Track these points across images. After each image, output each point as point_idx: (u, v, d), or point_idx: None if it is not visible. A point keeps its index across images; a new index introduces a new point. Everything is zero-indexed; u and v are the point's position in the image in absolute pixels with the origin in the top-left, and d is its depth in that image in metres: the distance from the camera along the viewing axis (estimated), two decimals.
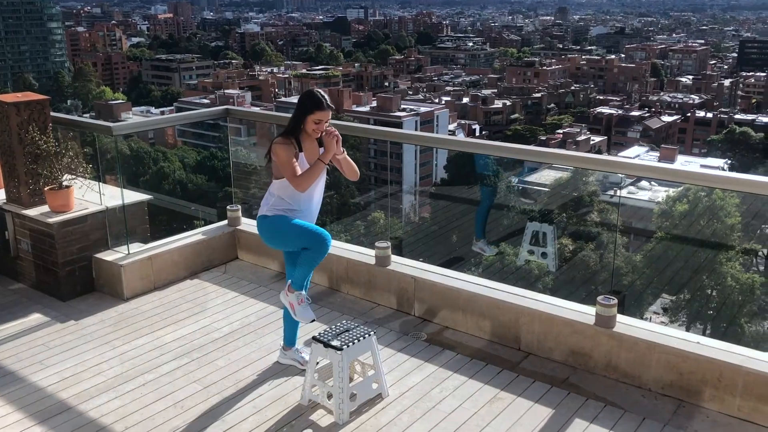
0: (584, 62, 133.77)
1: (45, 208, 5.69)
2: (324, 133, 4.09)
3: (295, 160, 4.07)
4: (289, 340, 4.58)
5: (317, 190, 4.28)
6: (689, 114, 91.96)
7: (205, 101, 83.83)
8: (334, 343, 4.01)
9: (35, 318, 5.33)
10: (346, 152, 4.26)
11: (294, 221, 4.14)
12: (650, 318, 19.98)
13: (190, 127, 61.44)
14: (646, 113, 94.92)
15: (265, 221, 4.22)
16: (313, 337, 4.12)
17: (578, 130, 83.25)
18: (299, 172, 4.05)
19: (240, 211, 6.44)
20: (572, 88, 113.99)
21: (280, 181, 4.14)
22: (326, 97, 4.13)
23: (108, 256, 5.72)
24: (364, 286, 5.55)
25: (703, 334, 16.39)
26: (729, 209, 20.63)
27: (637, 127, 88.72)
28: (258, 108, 60.72)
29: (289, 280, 4.22)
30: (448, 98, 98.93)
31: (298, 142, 4.12)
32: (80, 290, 5.69)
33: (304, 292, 4.19)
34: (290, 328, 4.54)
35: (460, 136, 56.67)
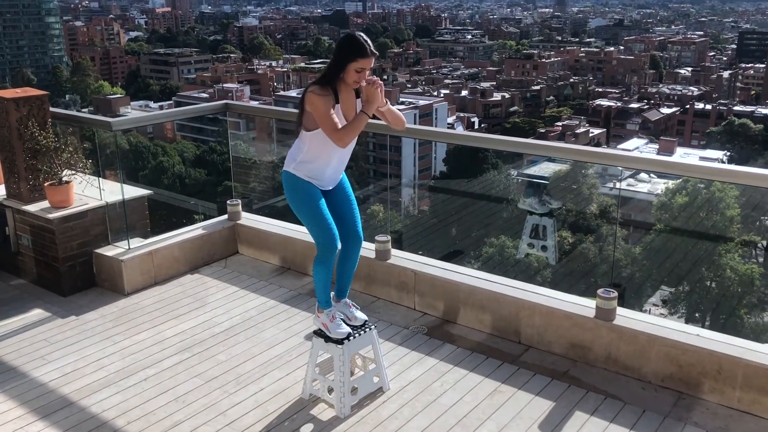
0: (583, 54, 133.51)
1: (45, 204, 5.69)
2: (365, 83, 3.70)
3: (332, 112, 3.69)
4: (340, 292, 4.24)
5: (347, 152, 3.94)
6: (688, 106, 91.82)
7: (204, 95, 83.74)
8: (335, 337, 4.02)
9: (36, 313, 5.34)
10: (389, 102, 3.89)
11: (321, 208, 3.84)
12: (649, 310, 20.01)
13: (189, 121, 61.48)
14: (645, 105, 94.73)
15: (296, 183, 3.88)
16: (314, 332, 4.14)
17: (577, 122, 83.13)
18: (340, 126, 3.68)
19: (240, 206, 6.44)
20: (571, 80, 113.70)
21: (313, 133, 3.78)
22: (369, 42, 3.67)
23: (108, 251, 5.72)
24: (364, 279, 5.56)
25: (703, 326, 16.41)
26: (728, 201, 20.64)
27: (636, 119, 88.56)
28: (257, 102, 60.72)
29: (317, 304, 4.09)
30: (447, 91, 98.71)
31: (335, 92, 3.71)
32: (81, 285, 5.69)
33: (332, 308, 4.07)
34: (342, 279, 4.20)
35: (459, 129, 56.67)
